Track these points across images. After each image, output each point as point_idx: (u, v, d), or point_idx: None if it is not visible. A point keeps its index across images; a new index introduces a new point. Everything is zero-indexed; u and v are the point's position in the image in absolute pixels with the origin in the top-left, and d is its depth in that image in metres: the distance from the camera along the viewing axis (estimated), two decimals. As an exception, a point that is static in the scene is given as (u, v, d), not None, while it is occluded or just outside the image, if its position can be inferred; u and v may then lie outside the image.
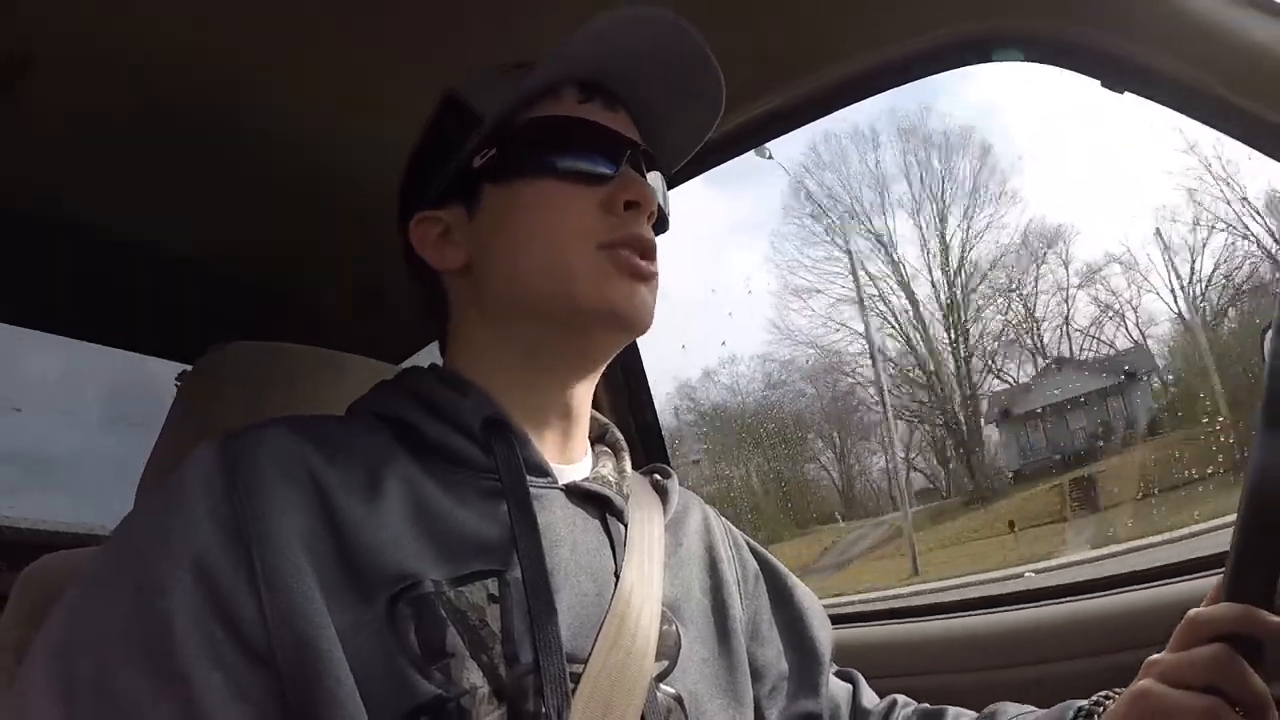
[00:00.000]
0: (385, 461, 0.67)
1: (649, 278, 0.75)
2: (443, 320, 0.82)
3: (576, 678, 0.63)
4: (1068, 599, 1.22)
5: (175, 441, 0.90)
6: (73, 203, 1.31)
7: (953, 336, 16.05)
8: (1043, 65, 1.06)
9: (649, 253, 0.75)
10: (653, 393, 1.63)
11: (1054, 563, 10.65)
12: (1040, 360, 15.94)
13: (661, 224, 0.82)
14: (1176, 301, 14.89)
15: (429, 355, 0.90)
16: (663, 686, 0.70)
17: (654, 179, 0.80)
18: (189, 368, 0.99)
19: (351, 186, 1.16)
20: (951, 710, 0.87)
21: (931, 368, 16.09)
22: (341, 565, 0.60)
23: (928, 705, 0.90)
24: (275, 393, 0.93)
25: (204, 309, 1.51)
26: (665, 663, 0.72)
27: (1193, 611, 0.64)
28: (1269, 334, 0.67)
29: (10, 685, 0.60)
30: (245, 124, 1.19)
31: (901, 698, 0.91)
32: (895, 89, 1.13)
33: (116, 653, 0.54)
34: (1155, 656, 0.65)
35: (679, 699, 0.71)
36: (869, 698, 0.92)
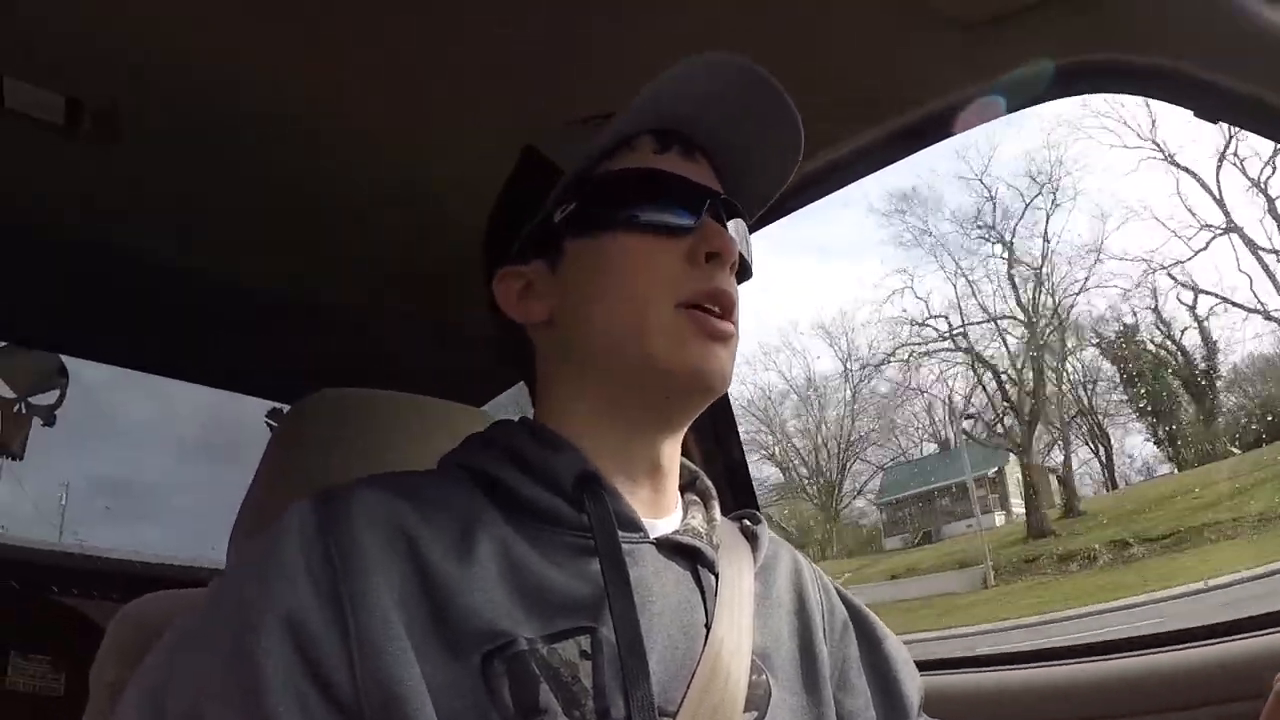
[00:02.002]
0: (477, 519, 0.67)
1: (728, 338, 0.74)
2: (530, 372, 0.82)
3: None
4: (1158, 649, 1.17)
5: (271, 485, 0.92)
6: (165, 243, 1.37)
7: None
8: (1136, 96, 1.03)
9: (729, 310, 0.74)
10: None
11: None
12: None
13: (744, 273, 0.81)
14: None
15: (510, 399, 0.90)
16: None
17: (736, 227, 0.79)
18: (278, 405, 1.02)
19: (432, 232, 1.18)
20: None
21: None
22: (435, 624, 0.60)
23: None
24: (366, 438, 0.94)
25: (290, 351, 1.55)
26: (755, 713, 0.70)
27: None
28: None
29: None
30: (327, 167, 1.22)
31: None
32: (983, 125, 1.11)
33: (209, 701, 0.55)
34: None
35: None
36: None
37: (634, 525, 0.72)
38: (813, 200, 1.24)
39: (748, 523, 0.87)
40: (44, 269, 1.44)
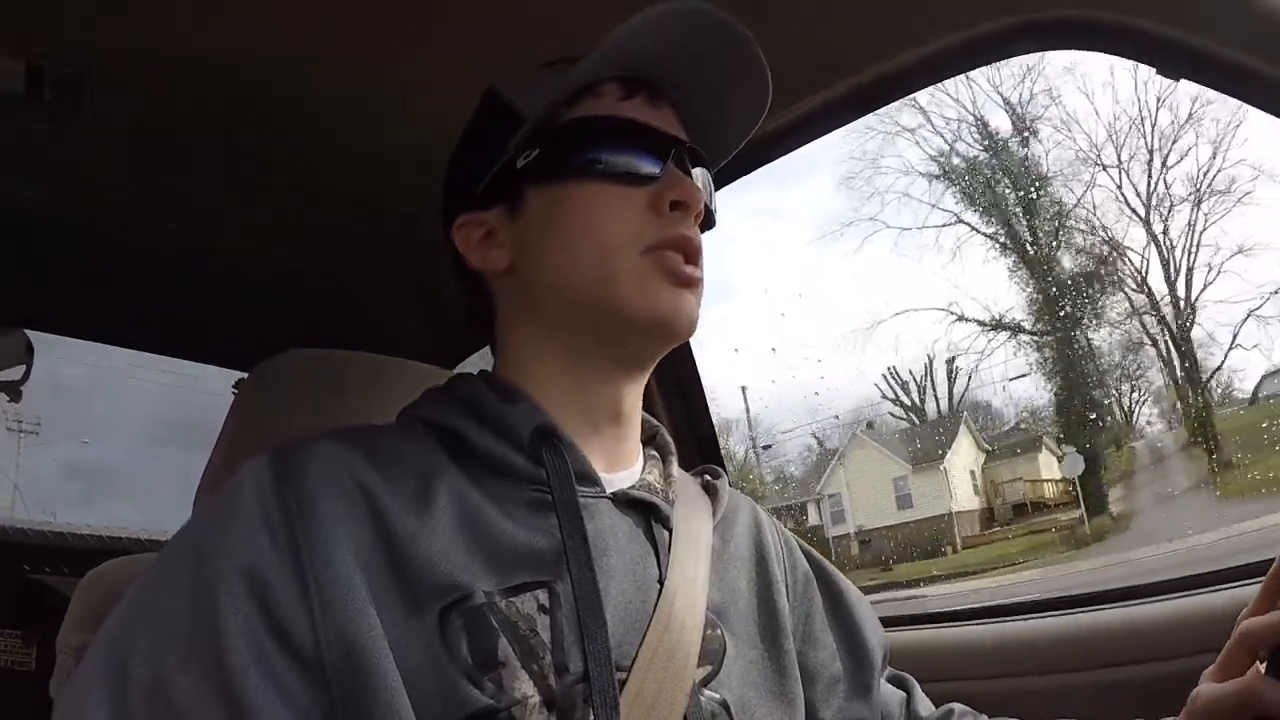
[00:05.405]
0: (435, 472, 0.66)
1: (694, 284, 0.74)
2: (490, 323, 0.81)
3: (621, 685, 0.63)
4: (1123, 604, 1.19)
5: (233, 447, 0.91)
6: (130, 213, 1.34)
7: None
8: (1098, 52, 1.03)
9: (694, 256, 0.74)
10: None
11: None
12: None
13: (708, 222, 0.80)
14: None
15: (482, 359, 0.89)
16: (707, 692, 0.69)
17: (700, 176, 0.78)
18: (245, 375, 1.00)
19: (402, 191, 1.16)
20: None
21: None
22: (393, 577, 0.60)
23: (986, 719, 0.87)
24: (331, 399, 0.94)
25: (260, 317, 1.54)
26: (709, 668, 0.71)
27: (1245, 624, 0.62)
28: None
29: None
30: (293, 128, 1.20)
31: (959, 707, 0.88)
32: (950, 79, 1.11)
33: (169, 657, 0.55)
34: (1199, 690, 0.64)
35: (725, 704, 0.70)
36: (924, 705, 0.89)
37: (590, 479, 0.72)
38: (778, 156, 1.21)
39: (708, 477, 0.87)
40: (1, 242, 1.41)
